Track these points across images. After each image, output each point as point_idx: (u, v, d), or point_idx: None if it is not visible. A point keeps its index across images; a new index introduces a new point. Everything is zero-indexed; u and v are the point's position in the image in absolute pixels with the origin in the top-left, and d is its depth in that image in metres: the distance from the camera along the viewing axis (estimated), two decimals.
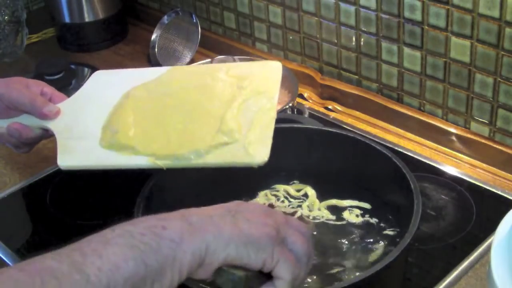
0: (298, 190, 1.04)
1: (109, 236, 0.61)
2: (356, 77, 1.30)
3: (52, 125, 0.94)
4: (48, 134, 0.96)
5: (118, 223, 0.63)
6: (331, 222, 0.99)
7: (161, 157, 0.84)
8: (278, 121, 1.06)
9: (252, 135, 0.84)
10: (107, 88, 0.97)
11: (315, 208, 1.01)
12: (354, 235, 0.96)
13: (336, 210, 1.00)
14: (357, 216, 0.98)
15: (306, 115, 1.18)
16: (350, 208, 1.00)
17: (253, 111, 0.88)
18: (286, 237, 0.67)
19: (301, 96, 1.36)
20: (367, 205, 0.99)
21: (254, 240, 0.64)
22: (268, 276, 0.67)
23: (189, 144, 0.84)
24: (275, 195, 1.03)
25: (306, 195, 1.03)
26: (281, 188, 1.04)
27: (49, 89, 0.98)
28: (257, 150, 0.83)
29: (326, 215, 0.99)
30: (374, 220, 0.97)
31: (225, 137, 0.84)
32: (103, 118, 0.92)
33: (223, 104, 0.89)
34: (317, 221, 0.98)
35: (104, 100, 0.95)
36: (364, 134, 1.20)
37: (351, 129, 1.25)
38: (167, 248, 0.61)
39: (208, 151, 0.83)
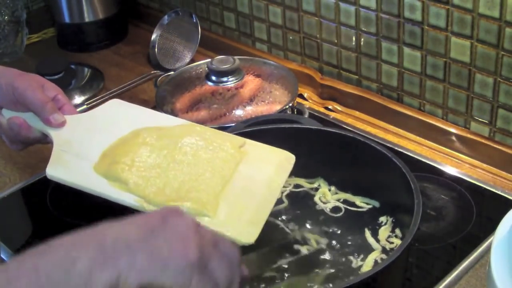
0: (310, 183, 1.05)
1: (12, 274, 0.58)
2: (356, 77, 1.30)
3: (53, 134, 0.93)
4: (46, 140, 0.95)
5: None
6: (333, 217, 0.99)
7: (152, 202, 0.83)
8: (278, 121, 1.07)
9: (247, 213, 0.83)
10: (119, 118, 0.96)
11: (327, 199, 1.02)
12: (354, 235, 0.96)
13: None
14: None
15: (306, 115, 1.18)
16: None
17: (253, 192, 0.87)
18: (209, 262, 0.64)
19: (301, 96, 1.36)
20: (376, 203, 1.00)
21: (172, 266, 0.62)
22: None
23: (182, 201, 0.83)
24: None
25: (316, 189, 1.04)
26: (293, 181, 1.05)
27: (63, 98, 0.97)
28: (247, 229, 0.82)
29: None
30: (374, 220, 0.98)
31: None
32: (105, 145, 0.91)
33: (220, 178, 0.87)
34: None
35: (112, 129, 0.94)
36: (364, 134, 1.20)
37: (351, 129, 1.25)
38: (76, 285, 0.59)
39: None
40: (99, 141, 0.92)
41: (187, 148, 0.91)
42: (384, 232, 0.95)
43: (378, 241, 0.94)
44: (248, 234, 0.81)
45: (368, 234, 0.95)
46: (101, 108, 0.99)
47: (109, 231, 0.63)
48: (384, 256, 0.92)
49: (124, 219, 0.65)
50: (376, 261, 0.91)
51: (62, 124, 0.94)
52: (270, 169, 0.90)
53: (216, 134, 0.94)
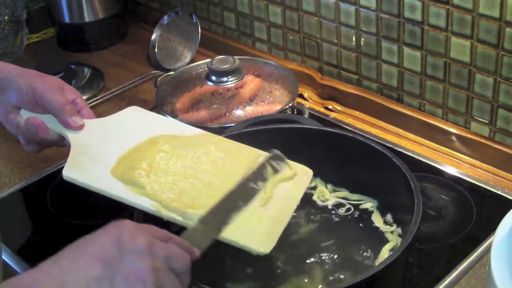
0: None
1: None
2: (356, 77, 1.30)
3: (71, 136, 0.93)
4: (63, 143, 0.95)
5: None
6: (333, 218, 0.99)
7: (168, 207, 0.84)
8: (278, 121, 1.07)
9: (264, 224, 0.85)
10: (137, 125, 0.97)
11: (326, 197, 1.02)
12: (355, 235, 0.96)
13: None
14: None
15: (306, 115, 1.18)
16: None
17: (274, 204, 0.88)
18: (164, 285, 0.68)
19: (301, 96, 1.36)
20: (375, 203, 1.00)
21: None
22: None
23: (198, 207, 0.84)
24: None
25: (314, 188, 1.04)
26: None
27: (81, 102, 0.98)
28: (263, 240, 0.83)
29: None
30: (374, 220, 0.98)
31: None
32: (122, 150, 0.91)
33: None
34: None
35: (129, 135, 0.94)
36: (364, 134, 1.20)
37: (351, 129, 1.25)
38: None
39: None
40: (116, 146, 0.92)
41: (204, 157, 0.92)
42: (376, 218, 0.96)
43: (377, 228, 0.95)
44: (263, 244, 0.82)
45: (365, 226, 0.96)
46: (119, 114, 0.99)
47: (69, 271, 0.65)
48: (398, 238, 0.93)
49: (84, 242, 0.68)
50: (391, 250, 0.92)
51: (80, 127, 0.94)
52: (288, 183, 0.91)
53: (233, 145, 0.95)
